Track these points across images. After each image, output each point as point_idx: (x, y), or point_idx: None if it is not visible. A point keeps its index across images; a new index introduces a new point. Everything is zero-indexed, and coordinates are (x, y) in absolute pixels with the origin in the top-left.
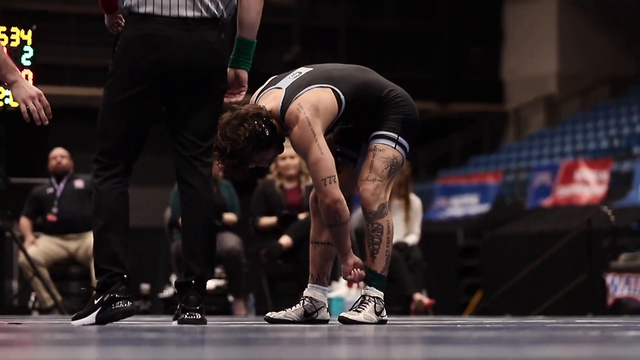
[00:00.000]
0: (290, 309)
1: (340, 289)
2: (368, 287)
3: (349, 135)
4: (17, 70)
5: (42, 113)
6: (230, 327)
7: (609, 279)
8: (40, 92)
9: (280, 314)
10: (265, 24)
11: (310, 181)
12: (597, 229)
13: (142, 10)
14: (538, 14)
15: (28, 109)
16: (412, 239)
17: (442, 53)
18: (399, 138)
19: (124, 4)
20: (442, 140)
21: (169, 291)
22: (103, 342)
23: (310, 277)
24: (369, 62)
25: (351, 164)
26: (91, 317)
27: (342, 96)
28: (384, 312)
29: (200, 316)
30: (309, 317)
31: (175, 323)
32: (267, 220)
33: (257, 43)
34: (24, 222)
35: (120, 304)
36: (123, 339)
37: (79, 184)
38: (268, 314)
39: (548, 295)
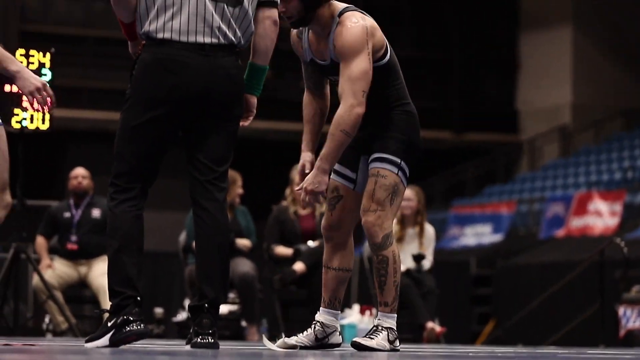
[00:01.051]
0: (301, 334)
1: (352, 315)
2: (380, 317)
3: (347, 152)
4: (17, 60)
5: (48, 105)
6: (243, 352)
7: (621, 310)
8: (44, 81)
9: (292, 340)
10: (282, 50)
11: (324, 208)
12: (610, 260)
13: (160, 35)
14: (553, 44)
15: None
16: (427, 264)
17: (457, 82)
18: (402, 163)
19: (142, 29)
20: (456, 170)
21: (182, 315)
22: None
23: (322, 301)
24: None
25: (350, 185)
26: (105, 340)
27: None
28: (397, 342)
29: (212, 340)
30: (320, 341)
31: (188, 347)
32: (283, 251)
33: (275, 69)
34: (40, 242)
35: (133, 326)
36: None
37: (95, 212)
38: (280, 340)
39: (560, 325)
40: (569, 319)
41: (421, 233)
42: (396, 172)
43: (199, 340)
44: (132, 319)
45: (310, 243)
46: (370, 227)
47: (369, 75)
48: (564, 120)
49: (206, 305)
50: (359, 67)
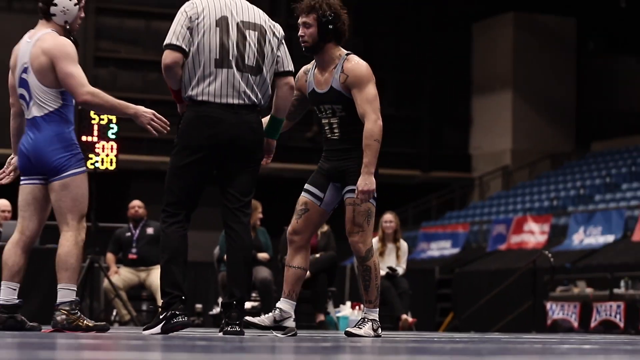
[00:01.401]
0: (264, 315)
1: (346, 310)
2: (366, 312)
3: (318, 177)
4: (129, 103)
5: (163, 126)
6: (262, 338)
7: (548, 305)
8: (153, 111)
9: (255, 319)
10: None
11: (325, 228)
12: (540, 268)
13: (200, 98)
14: (497, 105)
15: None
16: (400, 270)
17: (425, 133)
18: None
19: (187, 94)
20: (424, 199)
21: (216, 310)
22: (166, 347)
23: (283, 292)
24: None
25: (317, 202)
26: (157, 328)
27: None
28: (379, 330)
29: (239, 329)
30: (277, 323)
31: (220, 334)
32: None
33: (295, 125)
34: (110, 257)
35: (179, 319)
36: (181, 345)
37: (150, 230)
38: (248, 318)
39: (503, 316)
40: (509, 311)
41: (398, 247)
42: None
43: (229, 329)
44: (178, 313)
45: (317, 255)
46: (356, 244)
47: (378, 101)
48: (505, 162)
49: (234, 302)
50: (372, 92)
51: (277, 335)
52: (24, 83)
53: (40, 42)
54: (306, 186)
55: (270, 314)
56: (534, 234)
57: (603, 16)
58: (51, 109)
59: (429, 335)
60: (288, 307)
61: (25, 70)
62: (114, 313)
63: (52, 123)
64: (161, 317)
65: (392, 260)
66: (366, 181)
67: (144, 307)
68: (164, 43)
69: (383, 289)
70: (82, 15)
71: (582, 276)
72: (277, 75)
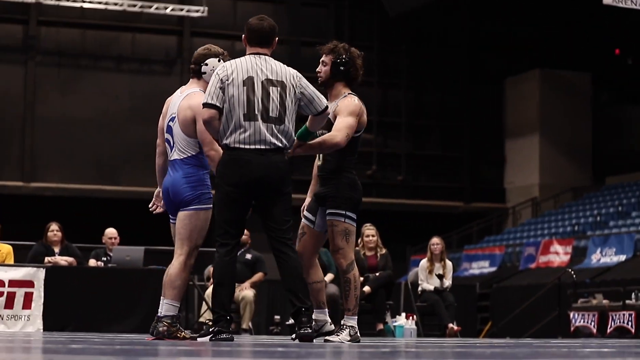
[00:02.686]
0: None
1: (401, 320)
2: (345, 319)
3: (311, 201)
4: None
5: None
6: (331, 344)
7: (571, 314)
8: None
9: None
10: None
11: (384, 251)
12: (564, 283)
13: (233, 145)
14: (527, 146)
15: None
16: (447, 283)
17: (466, 171)
18: (346, 213)
19: (223, 142)
20: (466, 226)
21: (292, 320)
22: (250, 353)
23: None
24: (421, 178)
25: (311, 225)
26: (206, 339)
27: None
28: (357, 336)
29: (310, 331)
30: (317, 332)
31: (293, 338)
32: None
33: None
34: (208, 274)
35: (223, 335)
36: (263, 351)
37: (248, 256)
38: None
39: (533, 324)
40: (539, 320)
41: (444, 266)
42: (343, 220)
43: (301, 331)
44: (223, 330)
45: (377, 274)
46: (337, 260)
47: (353, 130)
48: (534, 194)
49: (303, 309)
50: (351, 121)
51: (343, 342)
52: (169, 130)
53: (188, 98)
54: (304, 212)
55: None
56: (559, 254)
57: (614, 71)
58: (189, 154)
59: (472, 341)
60: (321, 316)
61: (172, 119)
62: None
63: (189, 165)
64: (210, 330)
65: (439, 278)
66: (297, 147)
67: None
68: (202, 102)
69: (432, 302)
70: None
71: (599, 290)
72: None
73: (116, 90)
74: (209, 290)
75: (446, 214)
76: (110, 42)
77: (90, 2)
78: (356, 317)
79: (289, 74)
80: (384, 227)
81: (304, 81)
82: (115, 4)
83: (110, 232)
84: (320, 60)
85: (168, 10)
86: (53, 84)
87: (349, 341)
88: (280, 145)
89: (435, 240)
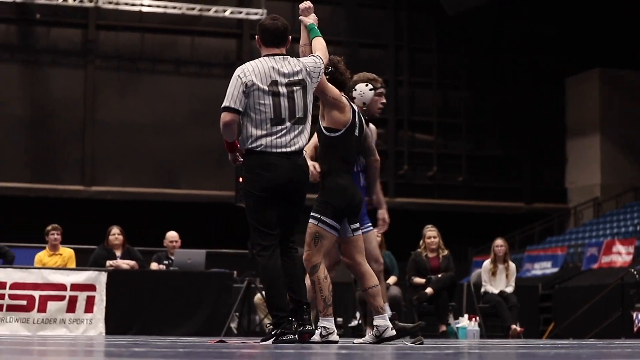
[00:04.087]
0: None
1: (464, 321)
2: (320, 320)
3: None
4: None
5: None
6: (394, 346)
7: (634, 314)
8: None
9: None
10: (415, 153)
11: (446, 252)
12: (627, 283)
13: (259, 149)
14: (588, 146)
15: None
16: (510, 289)
17: (527, 172)
18: (322, 217)
19: (248, 146)
20: (528, 227)
21: (354, 322)
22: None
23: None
24: (482, 178)
25: (337, 233)
26: (270, 342)
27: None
28: (332, 336)
29: (312, 327)
30: (379, 337)
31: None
32: (419, 280)
33: (417, 165)
34: None
35: (288, 336)
36: (327, 353)
37: None
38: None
39: (596, 325)
40: (601, 321)
41: (507, 267)
42: (316, 223)
43: (303, 329)
44: (286, 331)
45: (439, 275)
46: (303, 260)
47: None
48: (596, 194)
49: (305, 306)
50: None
51: (406, 343)
52: None
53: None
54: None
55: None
56: (621, 254)
57: None
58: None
59: (535, 342)
60: (381, 321)
61: None
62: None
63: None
64: (272, 333)
65: (502, 278)
66: None
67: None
68: (223, 105)
69: (495, 304)
70: (383, 101)
71: None
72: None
73: (175, 94)
74: (258, 296)
75: (508, 215)
76: (169, 45)
77: (148, 6)
78: (330, 317)
79: (305, 69)
80: (445, 229)
81: (320, 64)
82: (174, 8)
83: (172, 235)
84: None
85: (227, 13)
86: (112, 88)
87: (319, 342)
88: (303, 145)
89: (498, 241)
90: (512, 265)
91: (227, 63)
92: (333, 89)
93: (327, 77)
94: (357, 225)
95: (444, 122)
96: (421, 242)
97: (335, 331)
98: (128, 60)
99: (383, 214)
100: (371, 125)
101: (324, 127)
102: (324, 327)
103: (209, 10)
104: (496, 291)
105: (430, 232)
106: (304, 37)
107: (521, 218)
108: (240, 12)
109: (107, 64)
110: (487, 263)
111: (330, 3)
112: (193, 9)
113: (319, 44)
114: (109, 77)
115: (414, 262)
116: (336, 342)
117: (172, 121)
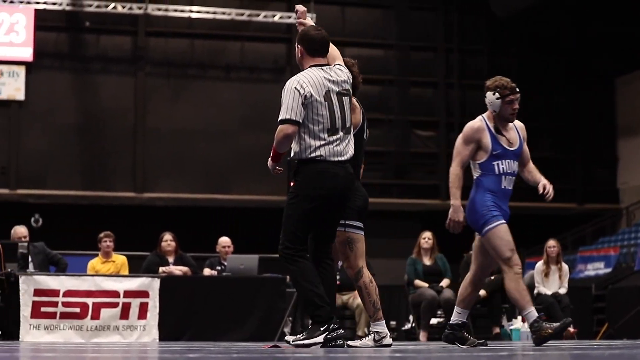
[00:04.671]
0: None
1: (517, 323)
2: (371, 325)
3: None
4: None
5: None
6: (450, 348)
7: None
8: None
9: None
10: None
11: None
12: None
13: (319, 158)
14: (639, 146)
15: None
16: (563, 290)
17: (579, 172)
18: (346, 222)
19: (306, 156)
20: (580, 228)
21: (407, 326)
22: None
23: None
24: None
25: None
26: (316, 339)
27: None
28: (383, 341)
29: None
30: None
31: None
32: None
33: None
34: None
35: (338, 332)
36: (388, 357)
37: None
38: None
39: None
40: None
41: (560, 268)
42: (343, 229)
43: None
44: (334, 327)
45: (490, 278)
46: (346, 269)
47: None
48: None
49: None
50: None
51: (460, 346)
52: None
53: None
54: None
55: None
56: None
57: None
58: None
59: (589, 343)
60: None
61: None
62: None
63: (475, 188)
64: (316, 333)
65: (555, 279)
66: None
67: (347, 325)
68: (283, 117)
69: (548, 305)
70: (515, 107)
71: None
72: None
73: (225, 99)
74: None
75: (559, 216)
76: (219, 51)
77: (198, 12)
78: (381, 321)
79: (348, 78)
80: None
81: (347, 73)
82: (223, 13)
83: (224, 240)
84: None
85: (276, 18)
86: (162, 95)
87: (371, 346)
88: (352, 155)
89: (551, 242)
90: (565, 267)
91: (277, 68)
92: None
93: None
94: (362, 225)
95: None
96: (473, 244)
97: (388, 334)
98: (178, 66)
99: None
100: None
101: None
102: (377, 332)
103: (258, 15)
104: (549, 292)
105: None
106: None
107: (573, 219)
108: (289, 17)
109: (157, 71)
110: (539, 264)
111: (380, 6)
112: (242, 14)
113: (335, 51)
114: (159, 84)
115: (466, 264)
116: (390, 345)
117: (222, 126)
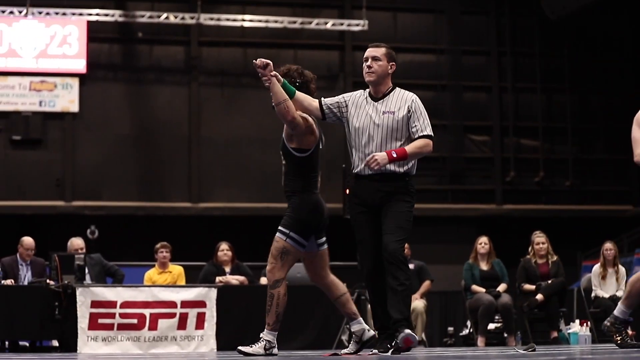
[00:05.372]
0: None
1: (575, 327)
2: (264, 332)
3: None
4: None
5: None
6: (509, 352)
7: None
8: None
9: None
10: (521, 159)
11: (555, 257)
12: None
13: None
14: None
15: None
16: (620, 293)
17: (634, 173)
18: (290, 233)
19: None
20: (636, 229)
21: (465, 331)
22: None
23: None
24: (589, 182)
25: (302, 249)
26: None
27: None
28: (273, 350)
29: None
30: (358, 344)
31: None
32: (529, 287)
33: (524, 171)
34: None
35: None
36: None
37: (410, 266)
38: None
39: None
40: None
41: (617, 271)
42: (285, 239)
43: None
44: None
45: (547, 282)
46: (267, 272)
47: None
48: None
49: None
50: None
51: (518, 350)
52: None
53: None
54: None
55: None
56: None
57: None
58: None
59: None
60: (357, 325)
61: None
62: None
63: None
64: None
65: (613, 282)
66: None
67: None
68: (430, 134)
69: (606, 308)
70: None
71: None
72: None
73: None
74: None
75: (616, 218)
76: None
77: (250, 21)
78: (275, 332)
79: None
80: (553, 234)
81: None
82: (276, 22)
83: None
84: None
85: (328, 25)
86: (216, 104)
87: (262, 354)
88: None
89: (608, 245)
90: (622, 269)
91: (330, 75)
92: (301, 119)
93: (298, 87)
94: (324, 239)
95: (550, 126)
96: (530, 248)
97: (276, 346)
98: (231, 75)
99: None
100: None
101: (292, 148)
102: (268, 341)
103: (310, 23)
104: (607, 295)
105: (539, 238)
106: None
107: (629, 221)
108: (342, 24)
109: (210, 80)
110: (596, 267)
111: (432, 11)
112: (295, 22)
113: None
114: (213, 94)
115: (523, 269)
116: (276, 354)
117: (276, 135)
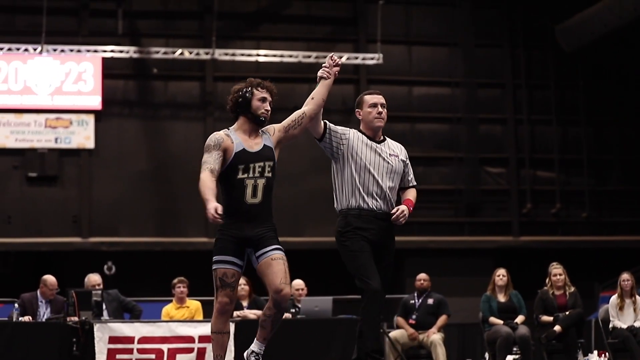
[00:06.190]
0: None
1: (593, 358)
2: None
3: (234, 247)
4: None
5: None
6: None
7: None
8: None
9: None
10: (538, 190)
11: (573, 289)
12: None
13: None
14: None
15: None
16: (638, 323)
17: None
18: None
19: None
20: None
21: None
22: None
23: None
24: (605, 213)
25: (240, 270)
26: None
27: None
28: None
29: None
30: None
31: None
32: (547, 318)
33: (540, 203)
34: (400, 320)
35: None
36: None
37: (430, 301)
38: None
39: None
40: None
41: (634, 301)
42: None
43: None
44: None
45: (565, 313)
46: (288, 295)
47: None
48: None
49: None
50: None
51: None
52: None
53: None
54: (228, 258)
55: None
56: None
57: None
58: None
59: None
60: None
61: None
62: None
63: None
64: None
65: (630, 312)
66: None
67: None
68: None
69: (624, 339)
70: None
71: None
72: None
73: (295, 141)
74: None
75: (633, 249)
76: (287, 93)
77: (265, 56)
78: (264, 345)
79: None
80: (571, 265)
81: None
82: (290, 56)
83: (297, 283)
84: (266, 99)
85: (343, 59)
86: None
87: None
88: None
89: (625, 276)
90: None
91: (346, 109)
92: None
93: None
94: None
95: (566, 158)
96: (547, 280)
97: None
98: None
99: None
100: None
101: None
102: (256, 353)
103: (325, 57)
104: (624, 326)
105: (556, 270)
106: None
107: None
108: (357, 58)
109: (226, 115)
110: (614, 298)
111: (447, 44)
112: (309, 56)
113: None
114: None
115: (540, 300)
116: None
117: (292, 169)
